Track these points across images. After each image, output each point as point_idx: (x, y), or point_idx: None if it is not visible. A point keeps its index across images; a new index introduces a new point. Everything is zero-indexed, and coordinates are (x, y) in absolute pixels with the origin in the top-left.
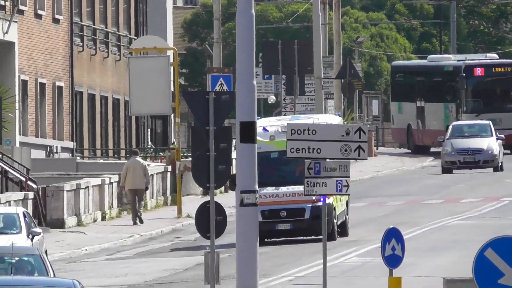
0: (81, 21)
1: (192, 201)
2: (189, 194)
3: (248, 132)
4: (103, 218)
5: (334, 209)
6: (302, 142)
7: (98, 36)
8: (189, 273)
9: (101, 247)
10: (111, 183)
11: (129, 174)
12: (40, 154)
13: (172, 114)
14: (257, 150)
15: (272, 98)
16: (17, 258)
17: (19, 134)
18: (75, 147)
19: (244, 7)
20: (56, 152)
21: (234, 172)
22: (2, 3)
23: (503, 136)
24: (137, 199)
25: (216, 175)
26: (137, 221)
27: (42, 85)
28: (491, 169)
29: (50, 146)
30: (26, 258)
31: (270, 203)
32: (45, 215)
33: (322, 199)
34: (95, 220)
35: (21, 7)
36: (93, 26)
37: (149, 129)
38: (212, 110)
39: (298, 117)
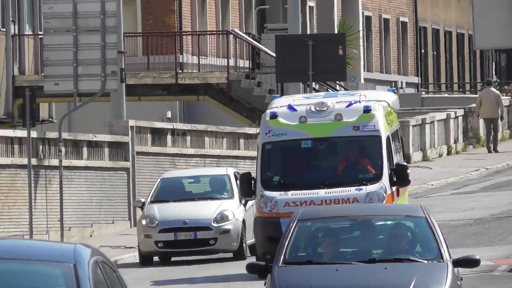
0: None
1: None
2: None
3: None
4: (449, 153)
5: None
6: None
7: None
8: None
9: (446, 181)
10: (456, 117)
11: (483, 103)
12: (384, 89)
13: None
14: (279, 138)
15: None
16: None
17: (364, 71)
18: (420, 82)
19: None
20: (401, 87)
21: None
22: None
23: None
24: (492, 128)
25: None
26: (492, 148)
27: (386, 21)
28: None
29: (395, 82)
30: (404, 221)
31: None
32: None
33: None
34: (440, 155)
35: None
36: None
37: (493, 63)
38: None
39: (336, 94)
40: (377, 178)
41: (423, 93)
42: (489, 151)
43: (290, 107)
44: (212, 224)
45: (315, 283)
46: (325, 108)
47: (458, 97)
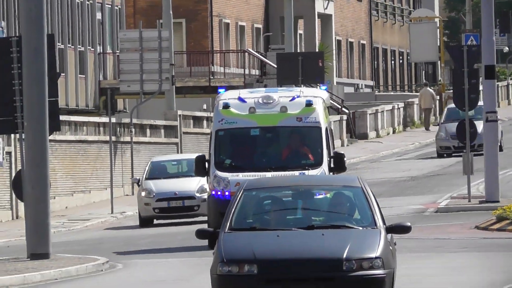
0: None
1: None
2: None
3: (490, 72)
4: (394, 132)
5: None
6: None
7: (388, 10)
8: (452, 168)
9: (392, 151)
10: (399, 108)
11: (423, 98)
12: (350, 89)
13: (439, 61)
14: (231, 126)
15: (506, 49)
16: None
17: (336, 76)
18: (374, 84)
19: None
20: (361, 88)
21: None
22: None
23: (499, 117)
24: (427, 115)
25: (469, 101)
26: (426, 128)
27: (351, 43)
28: None
29: (357, 84)
30: (341, 191)
31: None
32: (354, 131)
33: None
34: (388, 133)
35: None
36: (385, 3)
37: (423, 71)
38: (466, 57)
39: (276, 90)
40: (318, 164)
41: (376, 91)
42: (426, 129)
43: (240, 99)
44: (196, 194)
45: (257, 247)
46: (271, 101)
47: (400, 94)
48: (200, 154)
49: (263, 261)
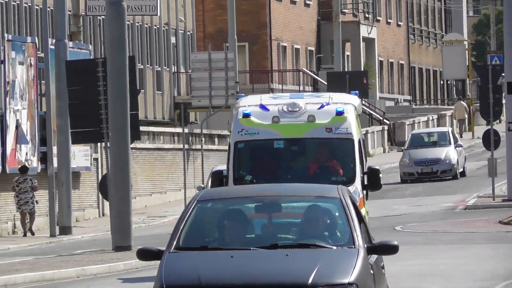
0: (413, 24)
1: (480, 129)
2: (478, 124)
3: (511, 88)
4: None
5: None
6: None
7: (423, 34)
8: (479, 171)
9: None
10: (433, 119)
11: (457, 110)
12: (390, 103)
13: (467, 78)
14: (252, 137)
15: None
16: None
17: (379, 92)
18: (411, 98)
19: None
20: (400, 102)
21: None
22: (367, 15)
23: (461, 143)
24: (462, 124)
25: (493, 113)
26: (461, 135)
27: (391, 63)
28: (450, 178)
29: (397, 98)
30: (314, 202)
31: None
32: (394, 139)
33: None
34: None
35: (378, 18)
36: (420, 28)
37: (454, 87)
38: (490, 75)
39: (302, 96)
40: (350, 181)
41: (413, 105)
42: (460, 137)
43: (262, 107)
44: None
45: (204, 270)
46: (297, 109)
47: (433, 107)
48: (217, 169)
49: (210, 287)
